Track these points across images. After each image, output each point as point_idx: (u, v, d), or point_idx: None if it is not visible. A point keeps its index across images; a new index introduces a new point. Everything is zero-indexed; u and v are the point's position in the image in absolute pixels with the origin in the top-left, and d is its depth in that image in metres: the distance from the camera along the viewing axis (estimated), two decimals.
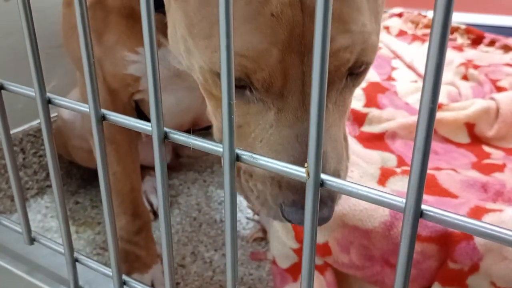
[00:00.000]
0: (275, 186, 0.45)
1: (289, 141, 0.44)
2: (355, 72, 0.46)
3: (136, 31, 0.63)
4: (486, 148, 0.91)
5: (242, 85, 0.45)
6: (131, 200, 0.79)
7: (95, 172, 0.95)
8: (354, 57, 0.44)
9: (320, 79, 0.25)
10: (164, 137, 0.33)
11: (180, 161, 1.20)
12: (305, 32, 0.42)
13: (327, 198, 0.44)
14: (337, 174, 0.46)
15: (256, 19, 0.41)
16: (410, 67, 1.29)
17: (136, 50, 0.65)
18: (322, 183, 0.27)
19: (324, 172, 0.43)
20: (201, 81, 0.50)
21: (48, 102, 0.39)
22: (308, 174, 0.26)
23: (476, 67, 1.20)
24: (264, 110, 0.45)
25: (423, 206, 0.24)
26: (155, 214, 1.05)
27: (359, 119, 0.94)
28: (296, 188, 0.44)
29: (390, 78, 1.21)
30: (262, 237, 0.95)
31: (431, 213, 0.24)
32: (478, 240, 0.59)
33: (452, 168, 0.80)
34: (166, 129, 0.33)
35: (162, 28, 0.59)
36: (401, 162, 0.85)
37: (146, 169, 1.08)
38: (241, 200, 1.06)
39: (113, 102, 0.71)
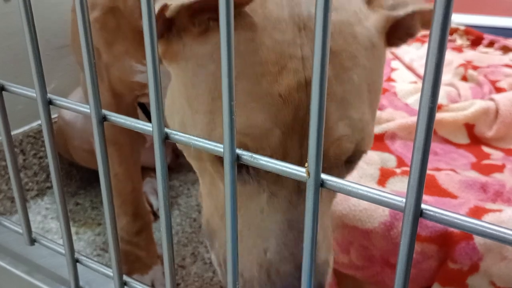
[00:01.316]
0: (263, 273, 0.44)
1: (280, 228, 0.43)
2: (351, 160, 0.46)
3: (144, 46, 0.63)
4: (486, 149, 0.91)
5: (240, 165, 0.44)
6: (132, 201, 0.79)
7: (95, 173, 0.95)
8: (353, 147, 0.44)
9: (320, 79, 0.25)
10: (165, 138, 0.33)
11: (180, 162, 1.20)
12: (307, 115, 0.41)
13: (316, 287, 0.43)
14: (327, 264, 0.45)
15: (264, 99, 0.41)
16: (409, 68, 1.29)
17: (144, 62, 0.65)
18: (322, 183, 0.27)
19: (316, 261, 0.41)
20: (195, 158, 0.48)
21: (49, 103, 0.39)
22: (308, 174, 0.26)
23: (475, 68, 1.20)
24: (257, 193, 0.44)
25: (423, 206, 0.24)
26: (155, 215, 1.05)
27: None
28: (286, 274, 0.42)
29: (389, 79, 1.22)
30: None
31: (431, 213, 0.24)
32: (478, 240, 0.59)
33: (452, 169, 0.80)
34: (166, 129, 0.33)
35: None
36: (400, 162, 0.85)
37: (146, 171, 1.09)
38: None
39: (117, 104, 0.71)
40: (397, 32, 0.49)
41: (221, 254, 0.49)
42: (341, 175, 0.47)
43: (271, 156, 0.41)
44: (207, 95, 0.43)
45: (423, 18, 0.50)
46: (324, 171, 0.46)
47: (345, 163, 0.46)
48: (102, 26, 0.63)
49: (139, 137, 0.79)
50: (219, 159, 0.44)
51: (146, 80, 0.66)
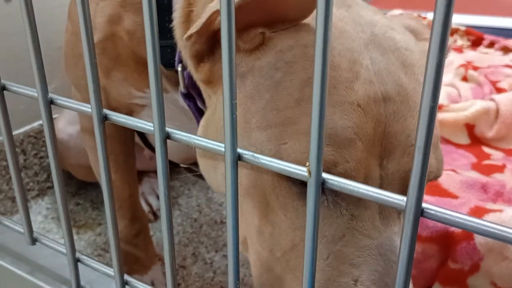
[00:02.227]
0: None
1: (369, 253, 0.38)
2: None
3: (145, 76, 0.61)
4: (486, 149, 0.92)
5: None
6: (130, 205, 0.79)
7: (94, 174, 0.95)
8: (437, 166, 0.42)
9: (321, 77, 0.25)
10: (166, 137, 0.33)
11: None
12: (386, 132, 0.39)
13: None
14: None
15: (342, 105, 0.38)
16: None
17: (144, 90, 0.63)
18: (323, 182, 0.27)
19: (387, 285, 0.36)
20: (246, 186, 0.42)
21: (50, 102, 0.39)
22: (310, 173, 0.27)
23: (475, 68, 1.20)
24: (335, 216, 0.39)
25: (423, 205, 0.24)
26: (155, 215, 1.05)
27: None
28: None
29: None
30: None
31: (432, 212, 0.24)
32: (478, 240, 0.59)
33: (452, 169, 0.80)
34: (168, 128, 0.33)
35: (171, 80, 0.59)
36: None
37: (144, 171, 1.09)
38: None
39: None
40: None
41: None
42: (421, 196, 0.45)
43: (354, 171, 0.37)
44: (272, 106, 0.40)
45: None
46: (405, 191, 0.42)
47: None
48: (101, 52, 0.61)
49: (132, 142, 0.79)
50: (280, 182, 0.40)
51: (144, 102, 0.66)
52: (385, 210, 0.40)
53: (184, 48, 0.45)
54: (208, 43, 0.44)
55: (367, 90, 0.39)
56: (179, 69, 0.55)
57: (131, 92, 0.64)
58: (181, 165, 1.00)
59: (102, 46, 0.61)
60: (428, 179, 0.42)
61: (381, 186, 0.39)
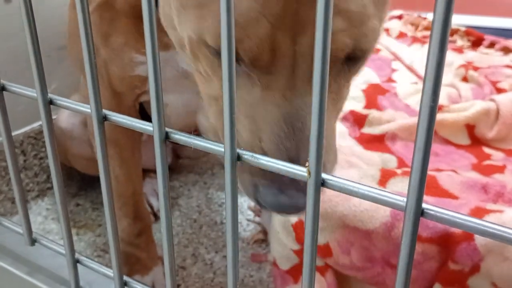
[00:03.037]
0: (247, 174, 0.43)
1: (276, 121, 0.42)
2: (352, 58, 0.44)
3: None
4: (486, 150, 0.91)
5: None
6: (133, 203, 0.79)
7: (96, 167, 0.95)
8: (352, 43, 0.42)
9: (321, 78, 0.25)
10: (165, 137, 0.33)
11: (180, 163, 1.20)
12: (299, 9, 0.39)
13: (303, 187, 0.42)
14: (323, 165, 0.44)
15: None
16: (410, 69, 1.29)
17: (144, 51, 0.63)
18: (323, 182, 0.27)
19: (306, 157, 0.41)
20: (190, 57, 0.47)
21: (49, 103, 0.39)
22: (309, 173, 0.26)
23: (476, 68, 1.20)
24: (250, 85, 0.43)
25: (424, 205, 0.24)
26: (156, 216, 1.05)
27: (359, 120, 0.94)
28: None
29: (390, 80, 1.22)
30: (263, 238, 0.95)
31: (432, 212, 0.24)
32: (479, 241, 0.59)
33: (453, 170, 0.80)
34: (167, 129, 0.33)
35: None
36: (401, 163, 0.85)
37: (146, 172, 1.09)
38: (242, 202, 1.06)
39: (118, 105, 0.70)
40: None
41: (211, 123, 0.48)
42: (342, 75, 0.45)
43: (257, 47, 0.40)
44: None
45: None
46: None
47: (346, 62, 0.44)
48: (100, 18, 0.62)
49: (138, 137, 0.79)
50: (206, 48, 0.43)
51: (147, 73, 0.66)
52: (298, 81, 0.42)
53: None
54: None
55: None
56: None
57: (133, 57, 0.64)
58: (180, 161, 1.00)
59: (99, 12, 0.62)
60: (340, 46, 0.42)
61: (295, 61, 0.41)
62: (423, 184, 0.24)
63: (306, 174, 0.27)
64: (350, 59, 0.44)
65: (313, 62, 0.41)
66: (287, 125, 0.42)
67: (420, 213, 0.24)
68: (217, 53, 0.43)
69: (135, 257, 0.83)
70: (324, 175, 0.27)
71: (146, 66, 0.64)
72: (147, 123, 0.34)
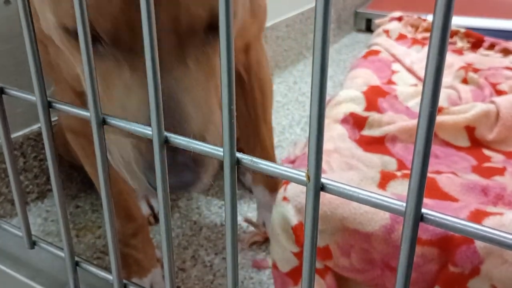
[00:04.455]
0: (136, 151, 0.42)
1: (145, 103, 0.41)
2: (215, 26, 0.43)
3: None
4: (486, 152, 0.91)
5: (95, 39, 0.41)
6: (122, 203, 0.78)
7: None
8: (206, 13, 0.41)
9: (320, 81, 0.25)
10: (165, 141, 0.33)
11: None
12: None
13: (189, 161, 0.41)
14: (202, 138, 0.43)
15: None
16: (410, 70, 1.29)
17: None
18: (322, 187, 0.27)
19: (184, 134, 0.38)
20: (59, 42, 0.46)
21: (48, 106, 0.39)
22: (308, 178, 0.26)
23: (476, 70, 1.20)
24: (118, 67, 0.42)
25: (423, 210, 0.24)
26: (156, 218, 1.05)
27: (359, 123, 0.94)
28: (146, 150, 0.41)
29: (390, 82, 1.22)
30: (260, 241, 0.95)
31: (431, 217, 0.24)
32: (478, 244, 0.58)
33: (452, 172, 0.80)
34: (166, 133, 0.33)
35: None
36: (401, 165, 0.85)
37: None
38: (241, 203, 1.06)
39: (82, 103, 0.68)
40: None
41: (112, 148, 0.46)
42: (208, 45, 0.44)
43: (114, 27, 0.39)
44: None
45: None
46: (184, 43, 0.41)
47: (209, 32, 0.43)
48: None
49: None
50: (64, 29, 0.42)
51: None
52: (162, 57, 0.41)
53: None
54: None
55: None
56: None
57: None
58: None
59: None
60: (196, 19, 0.42)
61: (135, 30, 0.40)
62: (423, 188, 0.24)
63: (305, 179, 0.27)
64: (212, 28, 0.43)
65: (175, 35, 0.40)
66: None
67: (419, 218, 0.24)
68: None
69: (132, 258, 0.82)
70: (323, 180, 0.27)
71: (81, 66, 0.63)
72: (147, 127, 0.34)
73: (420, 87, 1.12)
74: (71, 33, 0.42)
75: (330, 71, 1.71)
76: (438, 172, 0.79)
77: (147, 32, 0.30)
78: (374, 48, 1.40)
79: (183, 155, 0.40)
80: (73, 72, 0.62)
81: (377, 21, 1.64)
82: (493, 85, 1.12)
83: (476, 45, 1.46)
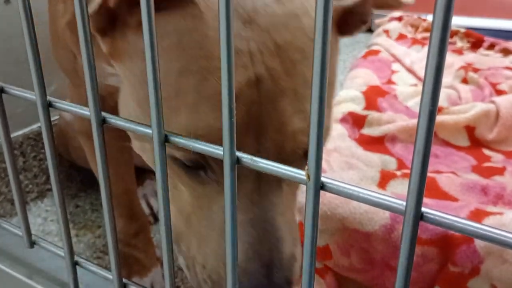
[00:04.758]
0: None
1: (243, 227, 0.42)
2: None
3: None
4: (486, 151, 0.91)
5: (197, 166, 0.43)
6: (125, 202, 0.78)
7: (95, 175, 0.95)
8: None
9: (320, 81, 0.25)
10: (165, 140, 0.33)
11: None
12: (262, 112, 0.41)
13: (284, 283, 0.42)
14: (293, 258, 0.44)
15: (213, 97, 0.40)
16: (410, 70, 1.29)
17: (112, 64, 0.63)
18: (322, 186, 0.27)
19: (280, 257, 0.42)
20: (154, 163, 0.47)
21: (48, 105, 0.39)
22: (309, 177, 0.26)
23: (475, 70, 1.20)
24: (217, 193, 0.44)
25: (423, 209, 0.24)
26: (156, 217, 1.05)
27: (358, 121, 0.94)
28: (253, 273, 0.42)
29: (390, 82, 1.21)
30: None
31: (431, 216, 0.24)
32: (478, 243, 0.58)
33: (452, 171, 0.80)
34: (166, 132, 0.33)
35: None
36: (401, 165, 0.85)
37: (147, 173, 1.08)
38: None
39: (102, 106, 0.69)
40: (350, 20, 0.49)
41: (189, 257, 0.48)
42: (302, 167, 0.46)
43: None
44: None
45: (376, 2, 0.49)
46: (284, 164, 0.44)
47: (304, 156, 0.45)
48: (73, 30, 0.60)
49: (125, 135, 0.78)
50: (173, 161, 0.44)
51: (118, 83, 0.66)
52: (263, 183, 0.43)
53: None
54: (108, 18, 0.44)
55: (240, 77, 0.40)
56: None
57: (104, 68, 0.64)
58: None
59: (72, 26, 0.60)
60: (300, 145, 0.43)
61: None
62: (423, 187, 0.24)
63: (305, 178, 0.27)
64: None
65: (274, 159, 0.42)
66: (256, 230, 0.42)
67: (419, 217, 0.24)
68: (187, 167, 0.43)
69: (133, 257, 0.82)
70: (323, 178, 0.27)
71: (116, 78, 0.64)
72: (146, 126, 0.34)
73: (420, 87, 1.12)
74: (178, 162, 0.43)
75: None
76: (438, 172, 0.79)
77: (147, 32, 0.30)
78: (374, 48, 1.40)
79: (279, 276, 0.42)
80: (101, 83, 0.64)
81: (377, 21, 1.64)
82: (493, 85, 1.12)
83: (476, 45, 1.46)
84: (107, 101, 0.69)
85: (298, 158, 0.44)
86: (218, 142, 0.39)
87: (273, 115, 0.41)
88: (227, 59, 0.27)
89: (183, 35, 0.40)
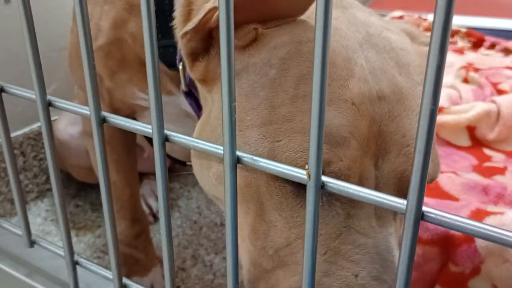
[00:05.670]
0: None
1: (367, 251, 0.38)
2: None
3: None
4: (487, 151, 0.91)
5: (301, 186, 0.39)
6: (131, 206, 0.79)
7: (94, 176, 0.95)
8: (433, 168, 0.41)
9: (321, 78, 0.25)
10: (165, 139, 0.33)
11: (180, 165, 1.20)
12: (381, 132, 0.38)
13: None
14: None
15: (337, 103, 0.37)
16: None
17: (147, 91, 0.64)
18: (323, 185, 0.27)
19: (392, 281, 0.37)
20: (240, 185, 0.41)
21: (48, 104, 0.39)
22: (309, 176, 0.26)
23: (476, 70, 1.20)
24: (331, 216, 0.39)
25: (424, 208, 0.24)
26: (155, 217, 1.05)
27: None
28: None
29: None
30: None
31: (432, 215, 0.24)
32: (479, 243, 0.58)
33: (453, 171, 0.80)
34: (166, 131, 0.32)
35: (176, 81, 0.59)
36: None
37: (145, 173, 1.09)
38: None
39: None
40: None
41: None
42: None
43: (348, 169, 0.37)
44: (266, 104, 0.39)
45: None
46: (401, 197, 0.43)
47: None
48: (106, 55, 0.62)
49: (135, 142, 0.79)
50: (273, 180, 0.39)
51: (148, 105, 0.66)
52: (380, 211, 0.40)
53: (181, 46, 0.46)
54: (204, 42, 0.44)
55: (362, 88, 0.38)
56: (180, 67, 0.55)
57: (135, 93, 0.65)
58: (187, 163, 1.00)
59: (107, 49, 0.62)
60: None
61: (376, 186, 0.39)
62: (423, 187, 0.23)
63: (306, 177, 0.27)
64: None
65: (393, 188, 0.39)
66: (380, 257, 0.38)
67: (420, 216, 0.24)
68: (294, 183, 0.39)
69: (133, 258, 0.83)
70: (323, 178, 0.26)
71: (145, 102, 0.65)
72: (147, 125, 0.34)
73: None
74: (279, 182, 0.40)
75: None
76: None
77: (147, 31, 0.30)
78: None
79: None
80: (128, 101, 0.66)
81: None
82: (494, 85, 1.11)
83: (477, 44, 1.46)
84: (123, 111, 0.70)
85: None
86: (341, 151, 0.36)
87: (396, 137, 0.39)
88: (227, 52, 0.27)
89: (301, 43, 0.40)
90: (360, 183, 0.38)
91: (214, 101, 0.45)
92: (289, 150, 0.38)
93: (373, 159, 0.38)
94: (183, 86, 0.56)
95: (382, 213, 0.40)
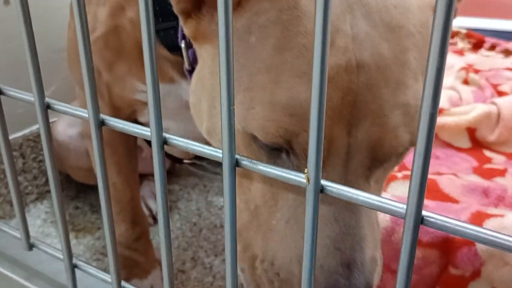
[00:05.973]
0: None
1: (326, 221, 0.38)
2: (402, 152, 0.41)
3: None
4: (487, 153, 0.91)
5: (279, 148, 0.40)
6: (131, 208, 0.79)
7: (94, 177, 0.95)
8: (410, 137, 0.39)
9: (320, 78, 0.24)
10: (164, 142, 0.32)
11: (179, 167, 1.19)
12: (356, 101, 0.38)
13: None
14: (375, 262, 0.41)
15: (308, 75, 0.37)
16: None
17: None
18: (322, 189, 0.26)
19: (363, 258, 0.38)
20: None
21: (47, 107, 0.39)
22: (308, 180, 0.26)
23: (477, 71, 1.19)
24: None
25: (424, 212, 0.24)
26: (154, 219, 1.05)
27: None
28: (331, 271, 0.38)
29: None
30: None
31: (432, 220, 0.24)
32: (479, 246, 0.58)
33: (453, 173, 0.79)
34: (165, 134, 0.32)
35: (177, 67, 0.59)
36: (402, 166, 0.85)
37: (144, 175, 1.08)
38: None
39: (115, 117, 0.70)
40: None
41: (248, 256, 0.44)
42: (390, 168, 0.43)
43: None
44: (245, 71, 0.40)
45: None
46: (375, 165, 0.40)
47: (400, 155, 0.42)
48: (104, 46, 0.61)
49: (135, 144, 0.79)
50: (253, 140, 0.41)
51: (145, 99, 0.66)
52: (349, 176, 0.40)
53: (173, 5, 0.46)
54: (193, 2, 0.44)
55: (339, 59, 0.37)
56: (183, 45, 0.54)
57: (135, 85, 0.64)
58: (185, 160, 1.00)
59: (105, 39, 0.61)
60: (400, 142, 0.40)
61: (348, 153, 0.39)
62: (423, 191, 0.23)
63: (305, 181, 0.26)
64: (400, 154, 0.42)
65: (366, 155, 0.39)
66: (340, 225, 0.39)
67: (420, 220, 0.24)
68: (267, 148, 0.40)
69: (133, 261, 0.83)
70: (323, 181, 0.26)
71: (145, 96, 0.65)
72: (145, 128, 0.34)
73: None
74: (258, 144, 0.41)
75: None
76: (439, 173, 0.79)
77: (145, 31, 0.29)
78: None
79: (360, 279, 0.39)
80: (128, 98, 0.65)
81: None
82: (494, 86, 1.11)
83: (477, 46, 1.46)
84: (123, 111, 0.70)
85: (392, 157, 0.41)
86: (307, 123, 0.36)
87: (372, 106, 0.38)
88: (226, 51, 0.26)
89: (282, 11, 0.39)
90: (330, 153, 0.38)
91: (206, 54, 0.46)
92: (261, 118, 0.39)
93: (345, 127, 0.38)
94: (186, 65, 0.56)
95: (350, 177, 0.40)
